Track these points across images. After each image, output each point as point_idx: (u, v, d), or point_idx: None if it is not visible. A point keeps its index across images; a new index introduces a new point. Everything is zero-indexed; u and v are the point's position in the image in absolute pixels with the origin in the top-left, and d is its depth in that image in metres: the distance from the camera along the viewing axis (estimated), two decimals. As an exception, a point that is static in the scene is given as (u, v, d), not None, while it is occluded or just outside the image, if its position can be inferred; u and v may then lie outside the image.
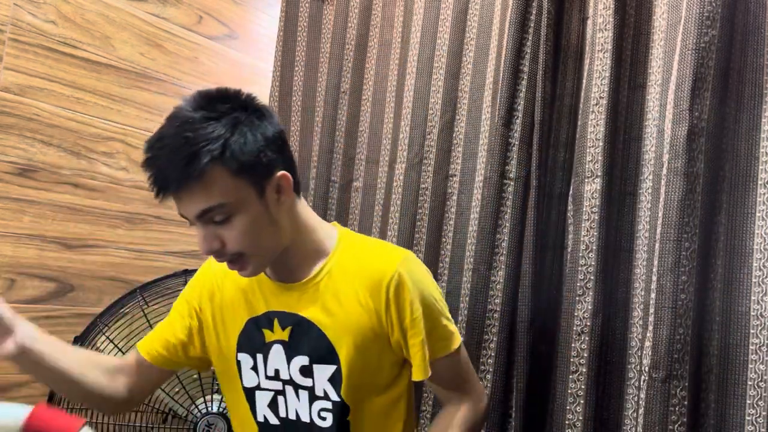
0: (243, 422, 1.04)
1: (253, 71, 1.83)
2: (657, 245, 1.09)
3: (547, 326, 1.27)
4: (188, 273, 1.46)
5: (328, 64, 1.69)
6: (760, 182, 1.10)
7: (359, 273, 0.96)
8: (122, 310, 1.41)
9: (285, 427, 1.00)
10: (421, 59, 1.49)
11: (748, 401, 1.06)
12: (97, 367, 1.00)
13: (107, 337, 1.36)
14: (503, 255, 1.29)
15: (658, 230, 1.09)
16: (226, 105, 0.87)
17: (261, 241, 0.91)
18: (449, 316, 1.02)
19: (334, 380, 0.95)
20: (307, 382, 0.97)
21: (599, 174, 1.19)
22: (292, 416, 0.99)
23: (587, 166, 1.21)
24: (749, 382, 1.06)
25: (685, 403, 1.05)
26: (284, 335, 0.98)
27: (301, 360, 0.97)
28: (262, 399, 1.00)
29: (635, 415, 1.12)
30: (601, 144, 1.20)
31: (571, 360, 1.18)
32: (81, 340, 1.38)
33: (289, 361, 0.98)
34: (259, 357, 1.00)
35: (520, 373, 1.23)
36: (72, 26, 1.47)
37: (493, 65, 1.40)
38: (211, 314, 1.04)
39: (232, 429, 1.10)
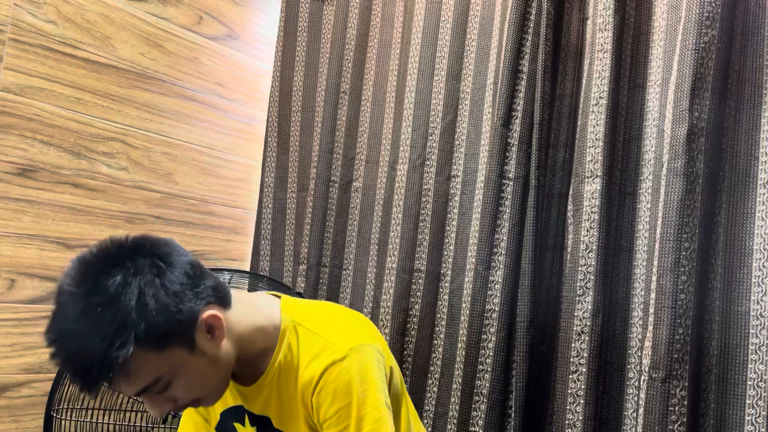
0: None
1: (253, 71, 1.83)
2: (657, 245, 1.09)
3: (547, 326, 1.27)
4: (188, 273, 1.46)
5: (328, 64, 1.69)
6: (759, 182, 1.10)
7: (298, 371, 0.93)
8: (122, 310, 1.41)
9: None
10: (422, 60, 1.49)
11: (747, 401, 1.06)
12: None
13: (107, 337, 1.36)
14: (502, 255, 1.29)
15: (658, 230, 1.09)
16: (114, 278, 0.78)
17: (209, 383, 0.88)
18: (380, 403, 0.92)
19: None
20: None
21: (599, 174, 1.20)
22: None
23: (587, 166, 1.21)
24: (749, 382, 1.06)
25: (685, 403, 1.05)
26: (252, 431, 0.99)
27: None
28: None
29: (635, 414, 1.12)
30: (600, 144, 1.20)
31: (571, 360, 1.18)
32: (81, 340, 1.38)
33: None
34: None
35: (519, 373, 1.23)
36: (72, 26, 1.47)
37: (494, 66, 1.40)
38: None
39: None
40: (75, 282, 0.79)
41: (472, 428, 1.28)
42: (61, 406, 1.35)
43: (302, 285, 1.63)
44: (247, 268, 1.74)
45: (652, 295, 1.08)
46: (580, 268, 1.19)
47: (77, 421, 1.36)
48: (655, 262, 1.09)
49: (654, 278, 1.08)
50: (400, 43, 1.57)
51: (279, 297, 1.00)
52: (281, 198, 1.73)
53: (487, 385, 1.26)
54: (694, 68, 1.09)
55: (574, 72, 1.33)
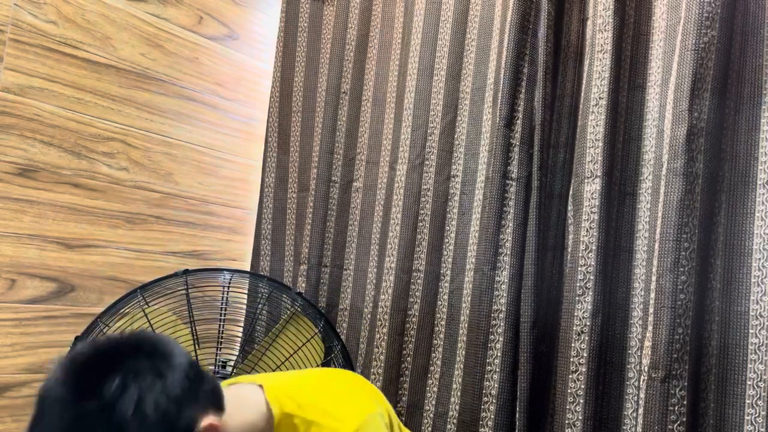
0: None
1: (253, 71, 1.83)
2: (656, 245, 1.09)
3: (547, 326, 1.27)
4: (188, 273, 1.47)
5: (329, 65, 1.69)
6: (759, 182, 1.10)
7: None
8: (123, 310, 1.41)
9: None
10: (422, 60, 1.49)
11: (747, 401, 1.06)
12: None
13: (107, 337, 1.36)
14: (507, 255, 1.29)
15: (658, 230, 1.09)
16: (111, 383, 0.72)
17: None
18: None
19: None
20: None
21: (599, 174, 1.20)
22: None
23: (587, 166, 1.21)
24: (748, 382, 1.07)
25: (685, 402, 1.05)
26: None
27: None
28: None
29: (635, 414, 1.12)
30: (600, 144, 1.20)
31: (571, 360, 1.18)
32: (81, 340, 1.38)
33: None
34: None
35: (524, 373, 1.23)
36: (72, 27, 1.48)
37: (494, 66, 1.41)
38: None
39: None
40: (66, 385, 0.72)
41: (482, 429, 1.28)
42: (61, 406, 1.35)
43: (303, 285, 1.63)
44: (248, 268, 1.74)
45: (652, 295, 1.08)
46: (579, 268, 1.19)
47: (77, 421, 1.36)
48: (655, 262, 1.09)
49: (654, 278, 1.09)
50: (401, 44, 1.57)
51: (260, 385, 0.94)
52: (281, 198, 1.73)
53: (496, 386, 1.26)
54: (693, 68, 1.09)
55: (574, 72, 1.33)
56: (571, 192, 1.26)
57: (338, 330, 1.58)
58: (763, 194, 1.10)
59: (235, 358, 1.49)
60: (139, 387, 0.72)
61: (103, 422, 0.70)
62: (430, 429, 1.37)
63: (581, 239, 1.20)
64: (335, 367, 1.54)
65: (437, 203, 1.44)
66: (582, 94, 1.27)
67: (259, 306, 1.50)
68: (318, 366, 1.47)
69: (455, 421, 1.32)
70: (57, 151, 1.45)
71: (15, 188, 1.39)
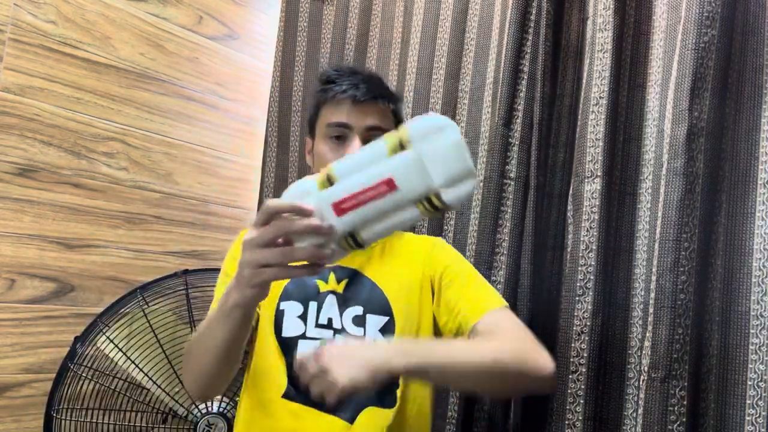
0: (270, 377, 1.01)
1: (253, 71, 1.83)
2: (656, 245, 1.09)
3: (546, 326, 1.27)
4: (188, 273, 1.47)
5: (328, 65, 1.69)
6: (759, 182, 1.10)
7: (407, 243, 1.10)
8: (122, 310, 1.41)
9: None
10: (421, 59, 1.49)
11: (747, 401, 1.06)
12: None
13: (107, 337, 1.36)
14: (504, 255, 1.29)
15: (658, 230, 1.09)
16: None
17: None
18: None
19: (387, 330, 0.99)
20: (359, 331, 0.99)
21: (599, 174, 1.19)
22: None
23: (587, 166, 1.21)
24: (749, 382, 1.06)
25: (685, 402, 1.05)
26: (339, 287, 1.03)
27: (355, 310, 1.01)
28: (307, 348, 0.98)
29: (635, 414, 1.12)
30: (600, 144, 1.20)
31: (571, 360, 1.18)
32: (81, 340, 1.38)
33: (342, 312, 1.01)
34: (312, 305, 1.02)
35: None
36: (72, 26, 1.48)
37: (493, 65, 1.40)
38: None
39: (245, 397, 1.06)
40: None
41: (475, 429, 1.28)
42: (61, 406, 1.35)
43: (302, 285, 1.63)
44: (247, 268, 1.74)
45: (652, 295, 1.08)
46: (579, 268, 1.19)
47: (77, 421, 1.36)
48: (655, 262, 1.08)
49: (654, 278, 1.08)
50: (400, 43, 1.57)
51: None
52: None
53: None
54: (693, 68, 1.09)
55: (574, 72, 1.33)
56: (571, 191, 1.26)
57: (338, 330, 1.58)
58: (764, 194, 1.10)
59: (234, 358, 1.49)
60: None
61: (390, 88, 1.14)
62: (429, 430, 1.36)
63: (581, 239, 1.20)
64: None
65: (436, 203, 1.44)
66: (582, 93, 1.27)
67: (259, 306, 1.50)
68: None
69: (454, 422, 1.32)
70: (57, 151, 1.45)
71: (15, 188, 1.39)
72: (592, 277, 1.17)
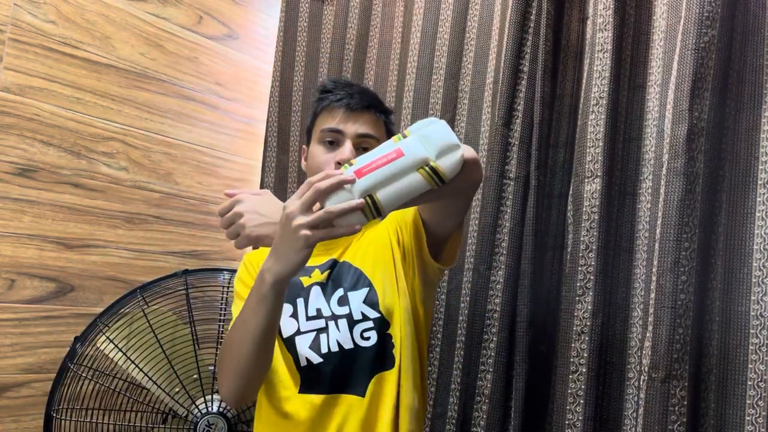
0: (283, 381, 1.05)
1: (253, 71, 1.83)
2: (657, 245, 1.09)
3: (547, 326, 1.27)
4: (188, 273, 1.47)
5: (328, 64, 1.69)
6: (759, 182, 1.10)
7: (377, 226, 1.13)
8: (122, 310, 1.41)
9: (328, 362, 1.03)
10: (421, 59, 1.49)
11: (747, 401, 1.06)
12: None
13: (107, 337, 1.36)
14: (503, 255, 1.29)
15: (658, 230, 1.09)
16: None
17: None
18: None
19: (370, 300, 1.05)
20: (344, 310, 1.05)
21: (599, 174, 1.19)
22: (334, 349, 1.03)
23: (587, 166, 1.21)
24: (749, 382, 1.06)
25: (685, 403, 1.05)
26: (322, 277, 1.09)
27: (338, 293, 1.06)
28: (303, 342, 1.05)
29: (635, 414, 1.12)
30: (601, 144, 1.20)
31: (571, 360, 1.18)
32: (81, 340, 1.38)
33: (328, 299, 1.07)
34: (300, 302, 1.07)
35: (518, 373, 1.23)
36: (72, 26, 1.48)
37: (493, 65, 1.40)
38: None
39: (263, 398, 1.09)
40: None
41: (474, 429, 1.28)
42: (61, 406, 1.35)
43: (302, 285, 1.63)
44: (247, 268, 1.74)
45: (652, 295, 1.08)
46: (580, 268, 1.19)
47: (77, 421, 1.36)
48: (655, 262, 1.08)
49: (654, 278, 1.08)
50: (400, 43, 1.57)
51: None
52: (281, 198, 1.72)
53: (489, 385, 1.26)
54: (694, 68, 1.09)
55: (574, 72, 1.33)
56: (571, 191, 1.26)
57: (338, 330, 1.57)
58: (764, 194, 1.10)
59: (234, 358, 1.49)
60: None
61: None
62: (428, 430, 1.36)
63: (581, 239, 1.20)
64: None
65: (436, 203, 1.44)
66: (582, 93, 1.27)
67: (259, 306, 1.50)
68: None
69: (454, 421, 1.32)
70: (57, 151, 1.45)
71: (15, 188, 1.39)
72: (592, 277, 1.17)
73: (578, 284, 1.18)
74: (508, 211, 1.29)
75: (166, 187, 1.64)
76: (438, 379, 1.38)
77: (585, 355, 1.16)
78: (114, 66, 1.55)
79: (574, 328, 1.18)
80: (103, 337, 1.37)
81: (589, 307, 1.17)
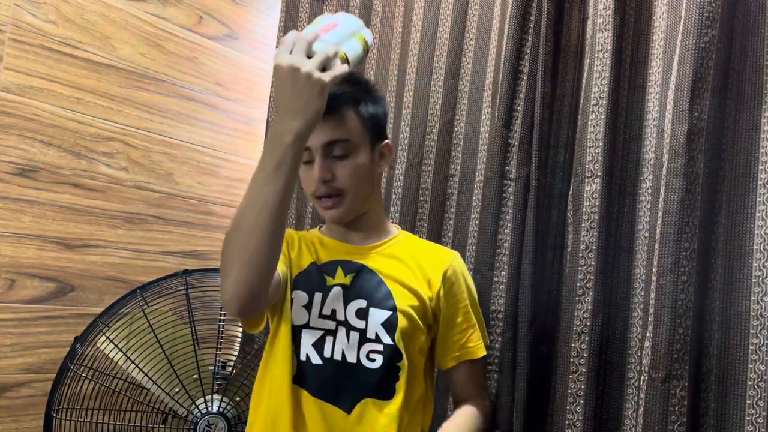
0: (279, 361, 1.05)
1: (253, 71, 1.83)
2: (657, 245, 1.09)
3: (547, 326, 1.27)
4: (188, 273, 1.46)
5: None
6: (759, 182, 1.10)
7: (420, 251, 1.14)
8: (122, 310, 1.41)
9: (327, 366, 1.03)
10: (421, 59, 1.49)
11: (747, 401, 1.06)
12: None
13: (107, 337, 1.36)
14: (506, 255, 1.28)
15: (658, 230, 1.09)
16: (354, 84, 1.07)
17: (360, 187, 1.06)
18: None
19: (388, 325, 1.03)
20: (360, 324, 1.04)
21: (599, 174, 1.19)
22: (337, 357, 1.03)
23: (587, 166, 1.21)
24: (749, 382, 1.06)
25: (685, 403, 1.05)
26: (346, 280, 1.07)
27: (359, 303, 1.05)
28: (308, 338, 1.04)
29: (635, 415, 1.12)
30: (601, 144, 1.20)
31: (571, 360, 1.18)
32: (81, 340, 1.38)
33: (346, 304, 1.05)
34: (317, 296, 1.06)
35: (521, 373, 1.23)
36: (72, 26, 1.48)
37: (493, 65, 1.40)
38: (289, 251, 1.13)
39: (258, 380, 1.10)
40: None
41: None
42: (61, 406, 1.35)
43: (302, 285, 1.63)
44: (247, 268, 1.74)
45: (652, 295, 1.08)
46: (580, 268, 1.19)
47: (77, 421, 1.36)
48: (655, 262, 1.08)
49: (654, 278, 1.08)
50: (400, 43, 1.57)
51: None
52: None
53: (495, 385, 1.26)
54: (694, 68, 1.09)
55: (574, 72, 1.33)
56: (571, 191, 1.26)
57: (338, 330, 1.57)
58: (764, 194, 1.10)
59: (234, 358, 1.49)
60: (375, 92, 1.12)
61: (351, 84, 1.06)
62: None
63: (581, 239, 1.20)
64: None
65: (435, 203, 1.44)
66: (582, 93, 1.27)
67: (259, 306, 1.50)
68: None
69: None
70: (56, 151, 1.45)
71: (15, 188, 1.39)
72: (592, 278, 1.17)
73: (578, 284, 1.18)
74: (509, 211, 1.29)
75: (166, 187, 1.64)
76: (438, 379, 1.38)
77: (585, 355, 1.16)
78: (114, 66, 1.55)
79: (574, 328, 1.18)
80: (103, 337, 1.37)
81: (589, 307, 1.17)
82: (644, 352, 1.08)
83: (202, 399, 1.39)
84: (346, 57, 0.94)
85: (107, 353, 1.37)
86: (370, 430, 1.01)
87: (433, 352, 1.14)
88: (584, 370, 1.16)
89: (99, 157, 1.52)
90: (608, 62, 1.21)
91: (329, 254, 1.11)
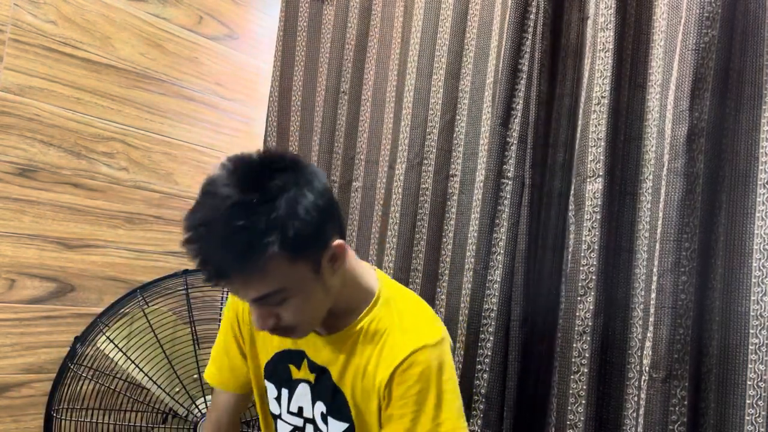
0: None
1: (253, 71, 1.83)
2: (657, 245, 1.09)
3: (547, 326, 1.27)
4: (188, 273, 1.47)
5: (328, 64, 1.69)
6: (759, 182, 1.10)
7: (385, 342, 0.93)
8: (122, 310, 1.41)
9: None
10: (421, 59, 1.49)
11: (747, 401, 1.06)
12: None
13: (107, 337, 1.36)
14: (500, 254, 1.29)
15: (659, 230, 1.09)
16: (274, 181, 0.80)
17: (315, 313, 0.90)
18: (455, 425, 0.92)
19: None
20: (324, 428, 0.98)
21: (601, 174, 1.19)
22: None
23: (589, 165, 1.21)
24: (749, 382, 1.06)
25: (686, 403, 1.05)
26: (311, 377, 0.98)
27: (322, 407, 0.97)
28: (283, 428, 1.03)
29: (635, 415, 1.12)
30: (602, 144, 1.20)
31: (573, 360, 1.18)
32: (81, 340, 1.38)
33: (313, 403, 0.98)
34: (284, 391, 1.00)
35: (511, 372, 1.23)
36: (72, 26, 1.47)
37: (493, 65, 1.40)
38: (248, 334, 1.04)
39: None
40: (233, 179, 0.80)
41: (472, 428, 1.28)
42: (61, 406, 1.35)
43: (302, 285, 1.63)
44: (247, 268, 1.74)
45: (653, 295, 1.08)
46: (581, 268, 1.19)
47: (77, 421, 1.36)
48: (656, 262, 1.09)
49: (654, 278, 1.08)
50: (400, 43, 1.57)
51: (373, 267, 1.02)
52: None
53: (486, 385, 1.26)
54: (694, 68, 1.09)
55: (574, 71, 1.33)
56: (572, 191, 1.26)
57: (338, 330, 1.58)
58: (764, 194, 1.10)
59: (235, 358, 1.49)
60: (295, 191, 0.80)
61: (263, 211, 0.78)
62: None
63: (583, 239, 1.19)
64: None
65: (436, 203, 1.44)
66: (583, 92, 1.27)
67: (259, 306, 1.50)
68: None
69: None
70: (57, 151, 1.45)
71: (15, 188, 1.39)
72: (594, 277, 1.17)
73: (580, 284, 1.18)
74: (506, 210, 1.29)
75: (166, 187, 1.64)
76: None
77: (587, 355, 1.16)
78: (114, 66, 1.55)
79: (576, 328, 1.18)
80: (104, 337, 1.37)
81: (591, 307, 1.17)
82: (645, 352, 1.08)
83: (202, 399, 1.39)
84: None
85: (107, 353, 1.37)
86: None
87: None
88: (586, 370, 1.16)
89: (99, 157, 1.52)
90: (610, 62, 1.21)
91: (294, 340, 0.99)
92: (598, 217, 1.18)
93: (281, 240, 0.78)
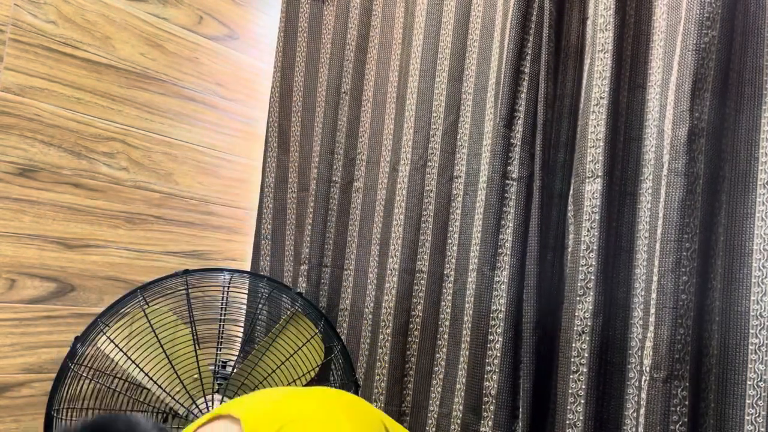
0: None
1: (253, 71, 1.83)
2: (657, 245, 1.09)
3: (548, 326, 1.27)
4: (188, 273, 1.47)
5: (329, 65, 1.69)
6: (759, 182, 1.11)
7: None
8: (123, 310, 1.41)
9: None
10: (424, 61, 1.49)
11: (747, 401, 1.06)
12: None
13: (107, 337, 1.36)
14: (507, 255, 1.29)
15: (659, 230, 1.09)
16: None
17: None
18: None
19: None
20: None
21: (600, 174, 1.20)
22: None
23: (588, 166, 1.21)
24: (749, 382, 1.07)
25: (686, 403, 1.05)
26: None
27: None
28: None
29: (636, 415, 1.12)
30: (602, 144, 1.20)
31: (572, 360, 1.18)
32: (81, 340, 1.38)
33: None
34: None
35: (526, 374, 1.23)
36: (72, 26, 1.47)
37: (495, 66, 1.41)
38: None
39: None
40: None
41: (483, 429, 1.28)
42: (61, 406, 1.35)
43: (303, 285, 1.63)
44: (248, 268, 1.74)
45: (653, 296, 1.09)
46: (581, 268, 1.19)
47: (77, 421, 1.36)
48: (656, 263, 1.09)
49: (655, 278, 1.09)
50: (401, 44, 1.57)
51: (238, 419, 0.83)
52: (282, 198, 1.73)
53: (495, 386, 1.26)
54: (694, 69, 1.09)
55: (574, 72, 1.33)
56: (571, 192, 1.26)
57: (338, 330, 1.58)
58: (764, 194, 1.10)
59: (235, 358, 1.49)
60: None
61: None
62: (434, 429, 1.37)
63: (582, 239, 1.20)
64: (335, 366, 1.54)
65: (440, 204, 1.44)
66: (582, 93, 1.27)
67: (259, 306, 1.50)
68: (317, 365, 1.47)
69: (458, 421, 1.32)
70: (57, 151, 1.45)
71: (15, 188, 1.39)
72: (593, 278, 1.18)
73: (579, 284, 1.19)
74: (511, 211, 1.29)
75: (166, 187, 1.64)
76: (444, 379, 1.38)
77: (586, 355, 1.17)
78: (114, 66, 1.54)
79: (575, 328, 1.18)
80: (104, 337, 1.37)
81: (590, 307, 1.17)
82: (645, 352, 1.08)
83: (202, 399, 1.39)
84: None
85: (107, 353, 1.37)
86: None
87: None
88: (585, 370, 1.17)
89: (99, 157, 1.52)
90: (609, 62, 1.21)
91: None
92: (597, 218, 1.19)
93: None
